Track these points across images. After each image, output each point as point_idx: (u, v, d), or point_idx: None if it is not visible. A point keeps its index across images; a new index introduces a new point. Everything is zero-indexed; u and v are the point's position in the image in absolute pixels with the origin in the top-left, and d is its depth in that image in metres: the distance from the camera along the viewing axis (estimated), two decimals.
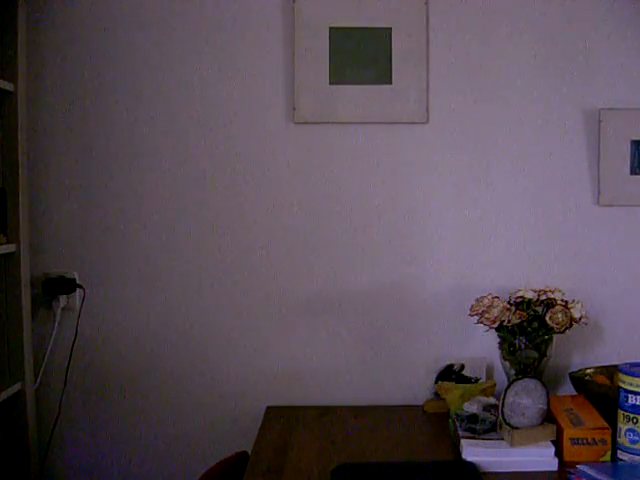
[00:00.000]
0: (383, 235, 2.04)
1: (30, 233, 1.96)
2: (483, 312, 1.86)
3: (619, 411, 1.58)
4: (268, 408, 2.00)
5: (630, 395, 1.55)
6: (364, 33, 1.99)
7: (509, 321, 1.84)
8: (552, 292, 1.90)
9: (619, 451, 1.57)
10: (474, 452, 1.56)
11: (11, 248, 1.88)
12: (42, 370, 2.02)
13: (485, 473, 1.51)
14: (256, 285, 2.04)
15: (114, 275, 2.04)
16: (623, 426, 1.56)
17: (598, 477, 1.46)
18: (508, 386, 1.61)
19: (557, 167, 2.03)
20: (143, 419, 2.05)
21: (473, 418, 1.67)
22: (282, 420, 1.90)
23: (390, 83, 2.00)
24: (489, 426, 1.64)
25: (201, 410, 2.05)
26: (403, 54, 1.99)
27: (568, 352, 2.03)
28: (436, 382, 1.99)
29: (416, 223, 2.04)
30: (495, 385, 1.91)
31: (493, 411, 1.69)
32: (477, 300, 1.90)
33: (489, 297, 1.88)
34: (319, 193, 2.03)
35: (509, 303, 1.88)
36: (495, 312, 1.84)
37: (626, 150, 2.00)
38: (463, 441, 1.60)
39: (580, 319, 1.86)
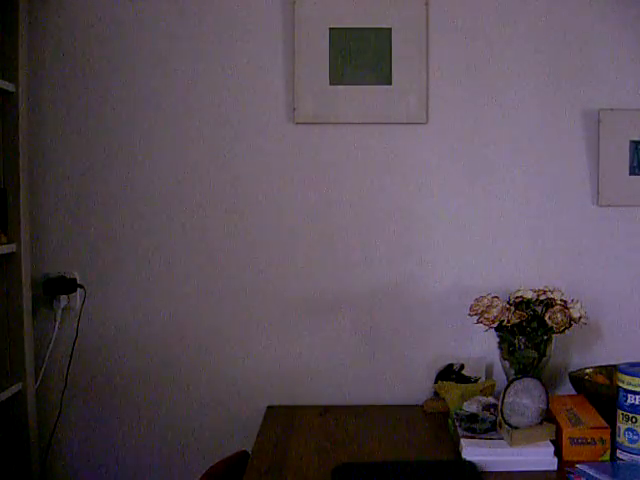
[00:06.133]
0: (383, 235, 2.04)
1: (30, 233, 1.95)
2: (482, 312, 1.86)
3: (618, 411, 1.58)
4: (268, 408, 2.00)
5: (629, 394, 1.55)
6: (364, 33, 2.00)
7: (508, 321, 1.84)
8: (551, 292, 1.90)
9: (618, 450, 1.58)
10: (474, 452, 1.56)
11: (12, 248, 1.88)
12: (43, 370, 2.02)
13: (485, 472, 1.52)
14: (256, 285, 2.04)
15: (114, 275, 2.04)
16: (622, 425, 1.57)
17: (597, 476, 1.46)
18: (508, 386, 1.62)
19: (556, 167, 2.03)
20: (143, 419, 2.05)
21: (473, 418, 1.67)
22: (282, 420, 1.90)
23: (390, 83, 2.00)
24: (489, 426, 1.65)
25: (201, 410, 2.05)
26: (403, 54, 1.99)
27: (567, 352, 2.04)
28: (436, 382, 1.99)
29: (415, 223, 2.04)
30: (495, 385, 1.92)
31: (493, 411, 1.70)
32: (476, 300, 1.90)
33: (488, 297, 1.88)
34: (319, 193, 2.03)
35: (508, 303, 1.89)
36: (494, 312, 1.85)
37: (625, 150, 2.01)
38: (463, 441, 1.60)
39: (579, 319, 1.87)
